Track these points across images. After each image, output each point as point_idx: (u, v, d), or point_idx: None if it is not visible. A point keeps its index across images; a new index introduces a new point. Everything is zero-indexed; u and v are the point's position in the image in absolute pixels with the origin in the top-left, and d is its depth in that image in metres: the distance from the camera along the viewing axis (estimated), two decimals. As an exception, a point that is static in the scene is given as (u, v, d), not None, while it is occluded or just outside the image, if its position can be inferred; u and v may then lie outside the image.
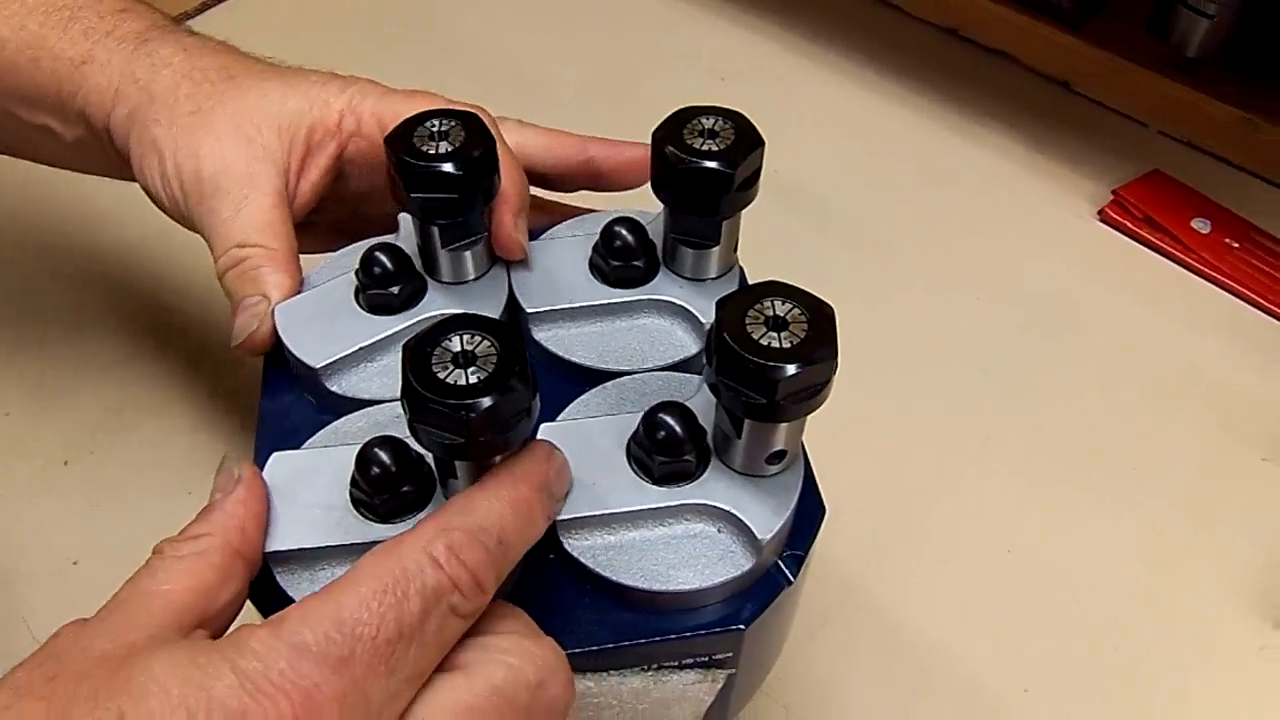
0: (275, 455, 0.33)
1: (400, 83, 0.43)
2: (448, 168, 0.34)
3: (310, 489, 0.32)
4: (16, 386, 0.57)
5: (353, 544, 0.31)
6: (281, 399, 0.37)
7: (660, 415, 0.31)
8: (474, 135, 0.35)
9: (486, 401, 0.27)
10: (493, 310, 0.38)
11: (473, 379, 0.27)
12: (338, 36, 0.79)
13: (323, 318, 0.37)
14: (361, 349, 0.36)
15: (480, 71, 0.76)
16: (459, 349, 0.28)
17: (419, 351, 0.28)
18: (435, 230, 0.36)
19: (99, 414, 0.56)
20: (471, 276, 0.38)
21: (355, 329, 0.36)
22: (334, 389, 0.36)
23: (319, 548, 0.31)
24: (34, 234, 0.65)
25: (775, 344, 0.28)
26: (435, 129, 0.36)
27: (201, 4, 0.80)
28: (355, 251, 0.39)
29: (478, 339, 0.28)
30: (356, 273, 0.37)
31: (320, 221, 0.44)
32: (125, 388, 0.57)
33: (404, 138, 0.35)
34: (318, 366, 0.35)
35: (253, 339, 0.37)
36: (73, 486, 0.54)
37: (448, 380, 0.27)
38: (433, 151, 0.35)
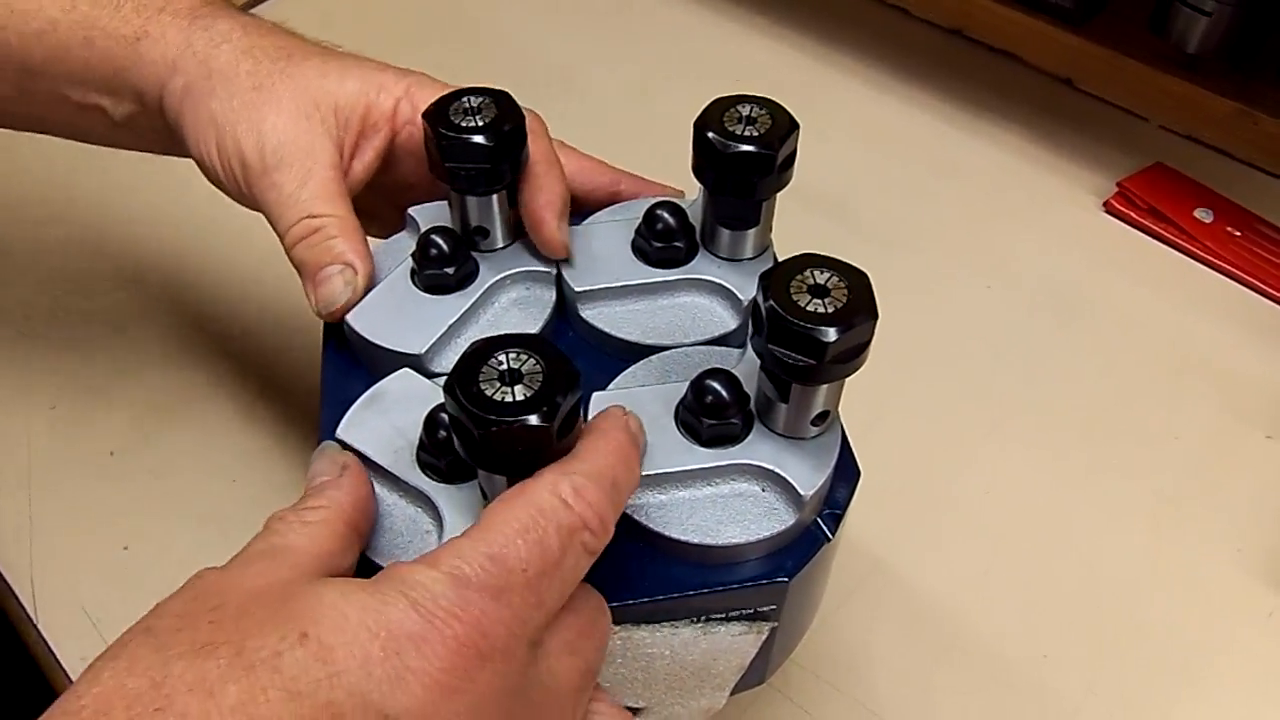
0: (404, 371, 0.36)
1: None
2: (482, 139, 0.37)
3: (405, 412, 0.35)
4: (63, 383, 0.59)
5: (391, 473, 0.34)
6: (345, 388, 0.39)
7: (708, 381, 0.33)
8: (505, 108, 0.38)
9: (534, 418, 0.28)
10: (547, 264, 0.40)
11: (520, 395, 0.28)
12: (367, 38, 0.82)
13: (398, 310, 0.39)
14: (451, 326, 0.38)
15: (508, 74, 0.78)
16: (506, 367, 0.29)
17: (467, 370, 0.29)
18: (485, 201, 0.39)
19: (143, 408, 0.58)
20: (501, 245, 0.41)
21: (435, 311, 0.39)
22: (437, 369, 0.38)
23: (368, 458, 0.34)
24: (77, 237, 0.67)
25: (821, 309, 0.30)
26: (470, 104, 0.38)
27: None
28: (388, 249, 0.42)
29: (524, 357, 0.29)
30: (414, 257, 0.39)
31: (358, 207, 0.44)
32: (168, 382, 0.59)
33: (441, 114, 0.38)
34: (422, 353, 0.37)
35: (342, 307, 0.38)
36: (121, 476, 0.56)
37: (495, 397, 0.28)
38: (472, 124, 0.37)
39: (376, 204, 0.45)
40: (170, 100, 0.41)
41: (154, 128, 0.43)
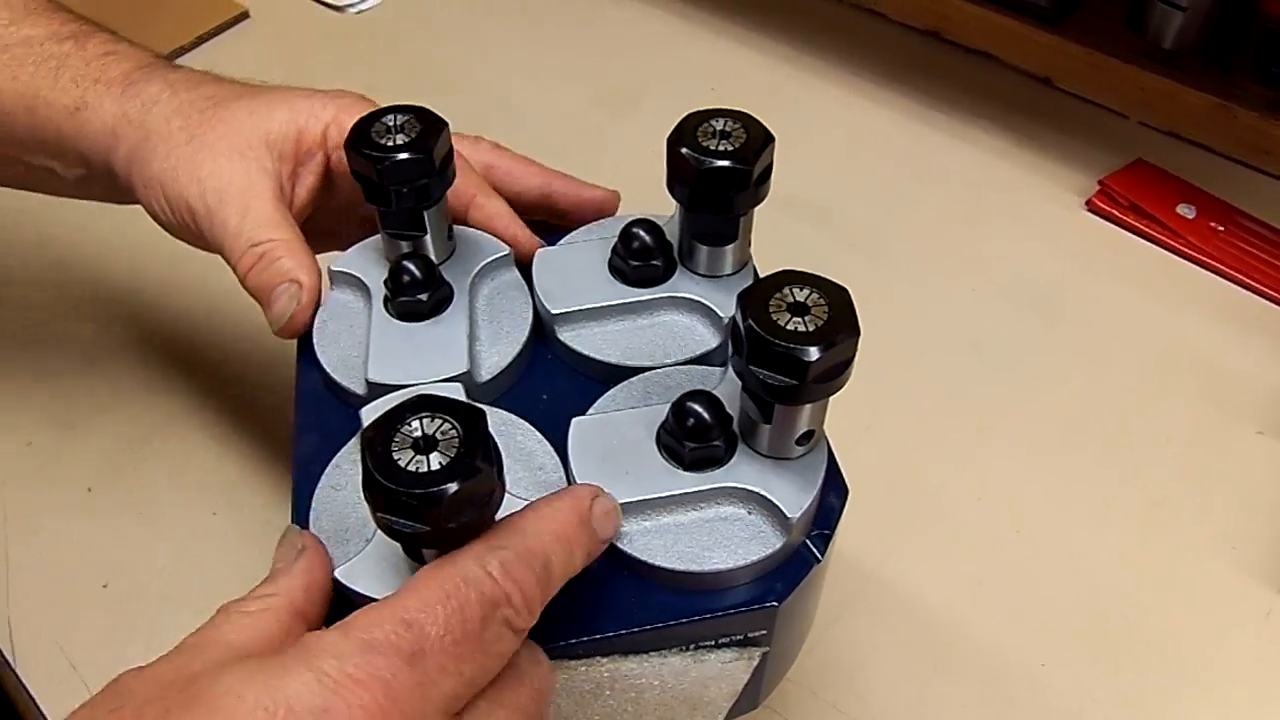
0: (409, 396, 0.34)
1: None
2: (406, 155, 0.37)
3: None
4: (37, 418, 0.58)
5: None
6: (316, 414, 0.38)
7: (689, 403, 0.33)
8: (427, 122, 0.38)
9: (453, 487, 0.27)
10: (496, 250, 0.41)
11: (435, 465, 0.27)
12: (341, 63, 0.81)
13: (410, 346, 0.38)
14: (469, 335, 0.38)
15: (481, 87, 0.77)
16: (420, 434, 0.28)
17: (378, 440, 0.27)
18: (418, 220, 0.39)
19: (119, 442, 0.57)
20: (439, 261, 0.41)
21: (443, 330, 0.38)
22: (484, 378, 0.38)
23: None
24: (46, 270, 0.66)
25: (801, 328, 0.29)
26: (392, 124, 0.38)
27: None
28: (331, 310, 0.41)
29: (438, 422, 0.28)
30: (389, 289, 0.38)
31: (314, 228, 0.45)
32: (144, 416, 0.58)
33: (364, 138, 0.37)
34: (469, 369, 0.37)
35: (293, 321, 0.39)
36: (98, 512, 0.55)
37: (409, 468, 0.27)
38: (397, 143, 0.37)
39: (334, 222, 0.46)
40: (118, 167, 0.44)
41: (106, 187, 0.46)
